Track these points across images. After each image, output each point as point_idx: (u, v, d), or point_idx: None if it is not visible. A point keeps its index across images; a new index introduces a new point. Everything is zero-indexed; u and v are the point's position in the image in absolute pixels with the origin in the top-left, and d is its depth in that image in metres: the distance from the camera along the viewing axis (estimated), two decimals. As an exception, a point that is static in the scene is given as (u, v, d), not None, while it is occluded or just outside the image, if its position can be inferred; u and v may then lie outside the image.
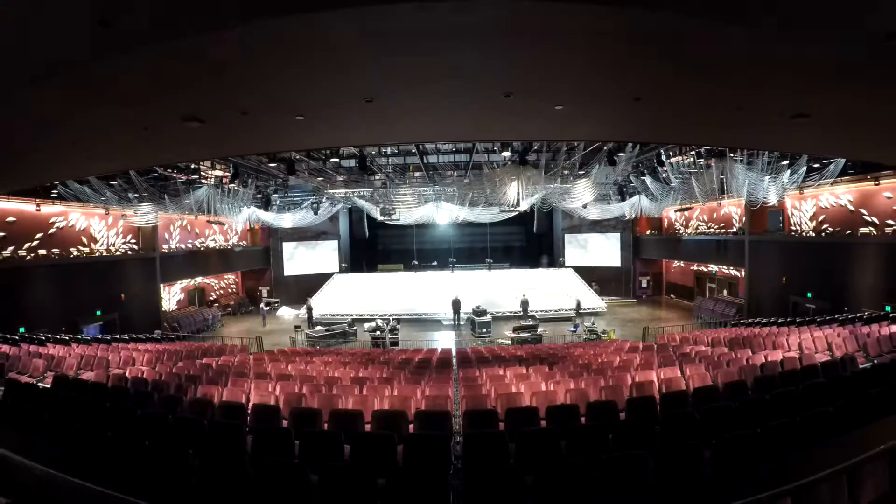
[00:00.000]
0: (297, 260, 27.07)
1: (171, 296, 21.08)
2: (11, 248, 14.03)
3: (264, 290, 26.28)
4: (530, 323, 16.91)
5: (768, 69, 3.93)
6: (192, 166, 14.45)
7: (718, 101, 4.96)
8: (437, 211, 21.53)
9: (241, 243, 26.00)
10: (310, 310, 19.53)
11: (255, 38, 3.22)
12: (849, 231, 14.62)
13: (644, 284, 26.34)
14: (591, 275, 26.31)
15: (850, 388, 5.39)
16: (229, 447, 4.79)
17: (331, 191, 19.11)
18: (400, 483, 3.80)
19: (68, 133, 5.38)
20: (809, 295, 15.39)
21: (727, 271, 21.36)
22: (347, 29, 3.18)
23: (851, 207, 14.80)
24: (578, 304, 19.85)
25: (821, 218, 16.02)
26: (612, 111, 5.59)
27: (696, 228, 23.20)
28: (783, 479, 2.98)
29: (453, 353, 11.93)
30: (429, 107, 5.33)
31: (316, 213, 21.79)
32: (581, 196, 17.62)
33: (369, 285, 25.68)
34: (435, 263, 28.66)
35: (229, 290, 25.76)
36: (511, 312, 19.63)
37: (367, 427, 5.77)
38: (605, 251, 26.93)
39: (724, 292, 21.65)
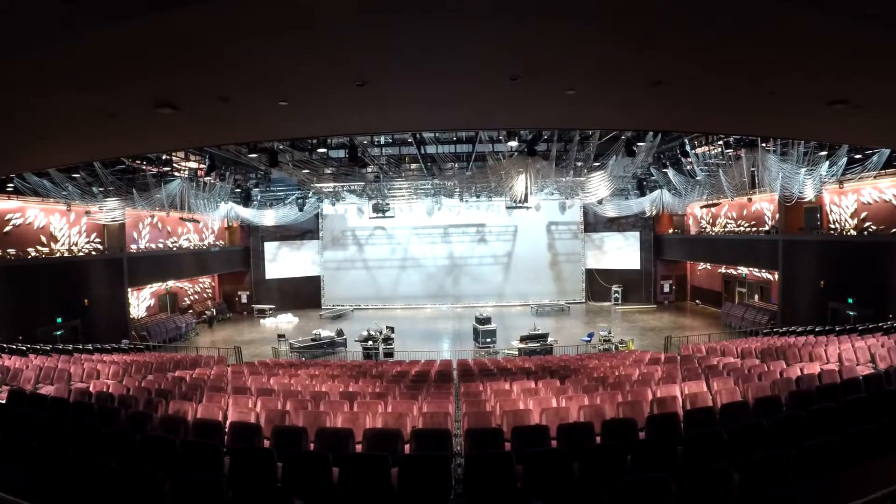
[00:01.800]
0: (280, 261, 27.08)
1: (139, 301, 21.08)
2: (-38, 248, 14.07)
3: (244, 295, 26.30)
4: (539, 332, 16.93)
5: (806, 48, 3.93)
6: (164, 157, 14.45)
7: (750, 84, 4.96)
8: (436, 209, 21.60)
9: (217, 243, 26.01)
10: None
11: (237, 12, 3.23)
12: (894, 230, 14.63)
13: (666, 289, 26.35)
14: (608, 278, 26.34)
15: (895, 404, 5.40)
16: (204, 469, 4.80)
17: (318, 184, 19.12)
18: (394, 509, 3.80)
19: (25, 121, 5.38)
20: (850, 301, 15.36)
21: (759, 274, 21.37)
22: (340, 2, 3.18)
23: (897, 203, 14.82)
24: None
25: (863, 215, 16.02)
26: (630, 96, 5.59)
27: (724, 227, 23.21)
28: (821, 505, 2.98)
29: (454, 364, 11.95)
30: (427, 91, 5.34)
31: (301, 210, 21.82)
32: (596, 191, 17.61)
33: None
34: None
35: (205, 295, 25.77)
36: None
37: (358, 447, 5.79)
38: (623, 252, 26.94)
39: (756, 297, 21.66)
